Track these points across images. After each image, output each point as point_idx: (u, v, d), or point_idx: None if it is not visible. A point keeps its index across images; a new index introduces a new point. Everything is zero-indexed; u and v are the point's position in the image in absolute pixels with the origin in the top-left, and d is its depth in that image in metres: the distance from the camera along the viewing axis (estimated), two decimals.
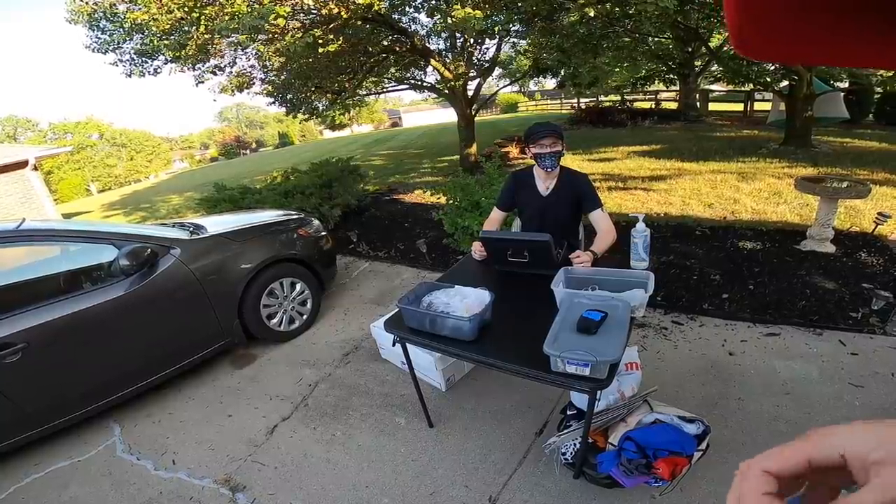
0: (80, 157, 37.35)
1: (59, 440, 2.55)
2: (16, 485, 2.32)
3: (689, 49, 12.74)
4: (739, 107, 13.41)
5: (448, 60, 8.59)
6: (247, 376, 3.00)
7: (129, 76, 6.67)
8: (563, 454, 1.90)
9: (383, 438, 2.32)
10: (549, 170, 2.27)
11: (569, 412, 2.01)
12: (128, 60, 6.61)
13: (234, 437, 2.47)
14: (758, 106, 12.87)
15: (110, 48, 6.32)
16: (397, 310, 1.81)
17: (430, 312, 1.60)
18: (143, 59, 6.45)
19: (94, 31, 6.36)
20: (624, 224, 3.14)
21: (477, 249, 2.36)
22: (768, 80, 8.84)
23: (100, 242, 2.53)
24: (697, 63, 13.76)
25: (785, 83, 8.17)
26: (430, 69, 9.23)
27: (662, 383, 2.28)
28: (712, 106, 14.41)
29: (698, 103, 14.23)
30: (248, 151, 47.18)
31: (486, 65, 9.22)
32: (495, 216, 2.54)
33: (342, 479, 2.12)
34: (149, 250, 2.55)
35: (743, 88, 12.84)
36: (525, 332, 1.65)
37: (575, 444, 1.86)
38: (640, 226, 1.94)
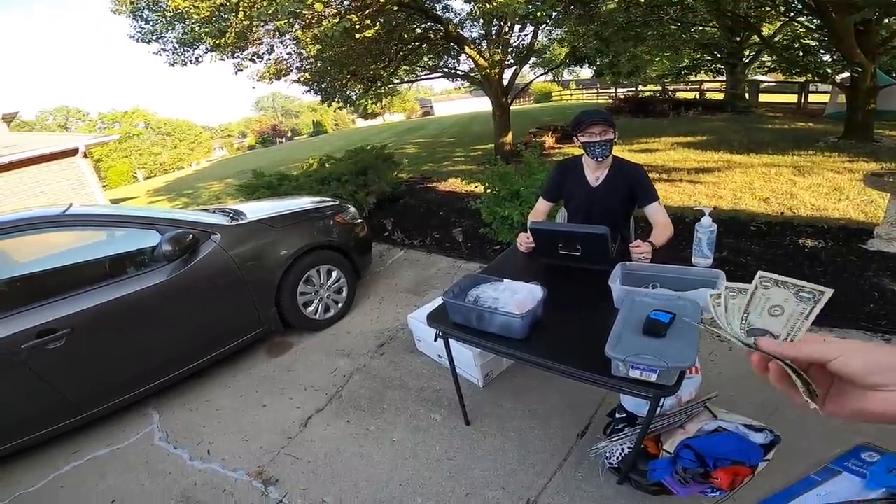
0: (127, 145, 39.17)
1: (100, 427, 2.59)
2: (56, 472, 2.35)
3: (738, 38, 12.15)
4: (792, 98, 12.59)
5: (483, 48, 8.40)
6: (282, 365, 2.99)
7: (173, 65, 6.79)
8: (608, 458, 1.78)
9: (418, 435, 2.25)
10: (599, 159, 2.11)
11: (618, 415, 1.88)
12: (170, 50, 6.72)
13: (268, 428, 2.45)
14: (812, 98, 12.07)
15: (153, 38, 6.45)
16: (440, 302, 1.72)
17: (479, 308, 1.49)
18: (185, 48, 6.54)
19: (137, 20, 6.49)
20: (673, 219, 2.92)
21: (523, 241, 2.22)
22: (828, 71, 8.31)
23: (143, 228, 2.54)
24: (746, 52, 13.04)
25: (846, 75, 7.64)
26: (463, 57, 9.09)
27: (716, 386, 2.10)
28: (763, 97, 13.60)
29: (747, 94, 13.51)
30: (283, 139, 48.21)
31: (523, 52, 8.96)
32: (541, 207, 2.40)
33: (375, 475, 2.06)
34: (191, 236, 2.55)
35: (796, 79, 12.08)
36: (578, 330, 1.52)
37: (623, 449, 1.73)
38: (706, 220, 1.76)
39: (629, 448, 1.72)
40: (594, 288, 1.71)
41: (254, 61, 6.91)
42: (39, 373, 2.19)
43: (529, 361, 1.43)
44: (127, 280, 2.43)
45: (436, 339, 1.74)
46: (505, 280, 1.63)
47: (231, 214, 3.14)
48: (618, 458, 1.75)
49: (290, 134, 54.08)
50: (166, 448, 2.43)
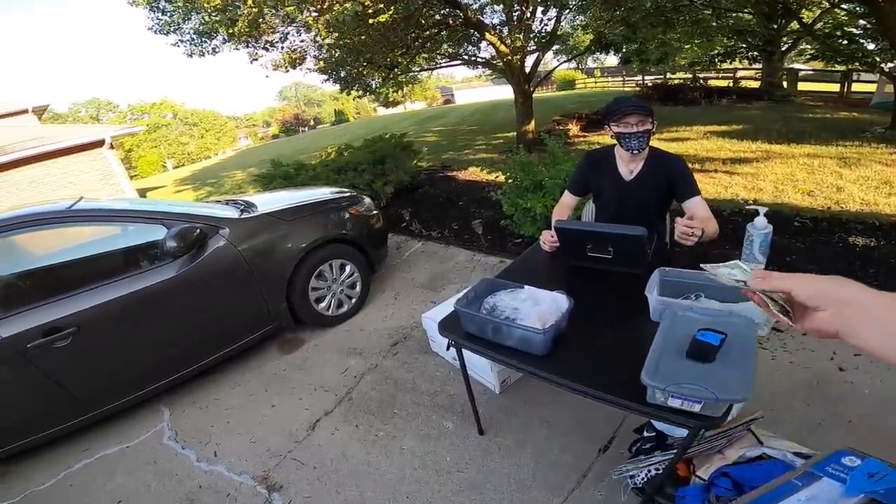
0: (156, 135, 40.19)
1: (111, 424, 2.55)
2: (66, 470, 2.33)
3: (775, 25, 11.54)
4: (833, 87, 11.84)
5: (504, 34, 8.11)
6: (292, 363, 2.91)
7: (191, 56, 6.79)
8: (632, 477, 1.61)
9: (429, 443, 2.12)
10: (634, 152, 1.89)
11: (646, 433, 1.70)
12: (188, 40, 6.71)
13: (275, 430, 2.37)
14: (856, 87, 11.32)
15: (171, 29, 6.43)
16: (454, 303, 1.56)
17: (495, 319, 1.32)
18: (203, 38, 6.51)
19: (154, 12, 6.48)
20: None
21: (547, 240, 2.02)
22: (876, 59, 7.76)
23: (150, 223, 2.46)
24: (784, 40, 12.32)
25: (894, 63, 7.07)
26: (484, 44, 8.82)
27: (757, 402, 1.89)
28: (801, 86, 12.85)
29: (785, 83, 12.79)
30: (306, 128, 48.56)
31: (545, 39, 8.62)
32: (567, 201, 2.19)
33: (382, 485, 1.95)
34: (198, 230, 2.45)
35: (837, 68, 11.37)
36: (608, 346, 1.34)
37: (650, 471, 1.56)
38: (761, 221, 1.53)
39: (657, 471, 1.55)
40: (627, 295, 1.53)
41: (267, 50, 6.82)
42: (47, 371, 2.15)
43: (551, 381, 1.25)
44: (134, 276, 2.35)
45: (448, 348, 1.58)
46: (526, 287, 1.44)
47: (242, 207, 3.05)
48: (643, 478, 1.58)
49: (312, 123, 54.44)
50: (174, 448, 2.38)
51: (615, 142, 1.96)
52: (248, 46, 6.56)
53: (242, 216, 2.80)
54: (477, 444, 2.06)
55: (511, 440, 2.04)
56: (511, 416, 2.16)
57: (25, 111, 10.20)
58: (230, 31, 5.49)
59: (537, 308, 1.30)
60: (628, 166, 1.98)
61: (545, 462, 1.91)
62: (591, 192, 2.15)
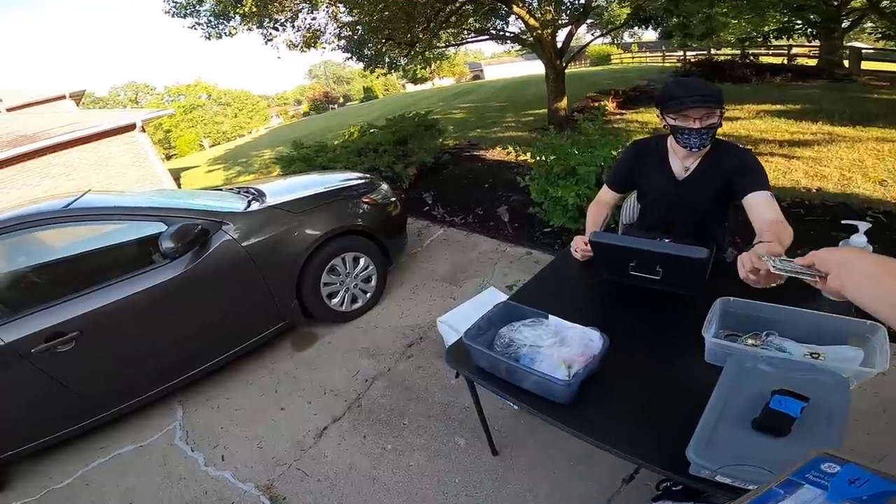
0: (192, 116, 41.21)
1: (127, 421, 2.52)
2: (83, 468, 2.31)
3: (836, 2, 10.59)
4: None
5: (534, 7, 7.57)
6: (304, 361, 2.78)
7: (209, 38, 6.69)
8: None
9: (438, 461, 1.95)
10: (693, 150, 1.54)
11: None
12: (205, 23, 6.58)
13: (283, 436, 2.26)
14: None
15: (187, 11, 6.31)
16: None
17: (507, 361, 1.08)
18: (219, 20, 6.37)
19: None
20: None
21: (579, 247, 1.72)
22: None
23: (150, 220, 2.33)
24: (845, 17, 11.11)
25: None
26: (512, 18, 8.30)
27: None
28: (865, 65, 11.65)
29: (846, 62, 11.61)
30: (335, 106, 48.56)
31: (579, 11, 7.99)
32: (605, 197, 1.86)
33: None
34: (199, 228, 2.31)
35: None
36: (649, 393, 1.09)
37: None
38: (859, 240, 1.20)
39: None
40: (676, 323, 1.25)
41: (277, 30, 6.61)
42: (54, 375, 2.10)
43: (575, 435, 1.02)
44: (136, 277, 2.24)
45: (457, 377, 1.36)
46: (551, 318, 1.18)
47: (251, 197, 2.89)
48: None
49: (342, 100, 54.38)
50: (184, 450, 2.32)
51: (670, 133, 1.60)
52: (260, 27, 6.37)
53: (248, 209, 2.64)
54: (489, 465, 1.88)
55: (526, 464, 1.84)
56: (528, 437, 1.95)
57: (63, 97, 10.47)
58: (239, 11, 5.30)
59: (563, 350, 1.05)
60: (683, 162, 1.62)
61: (563, 491, 1.71)
62: (637, 190, 1.82)
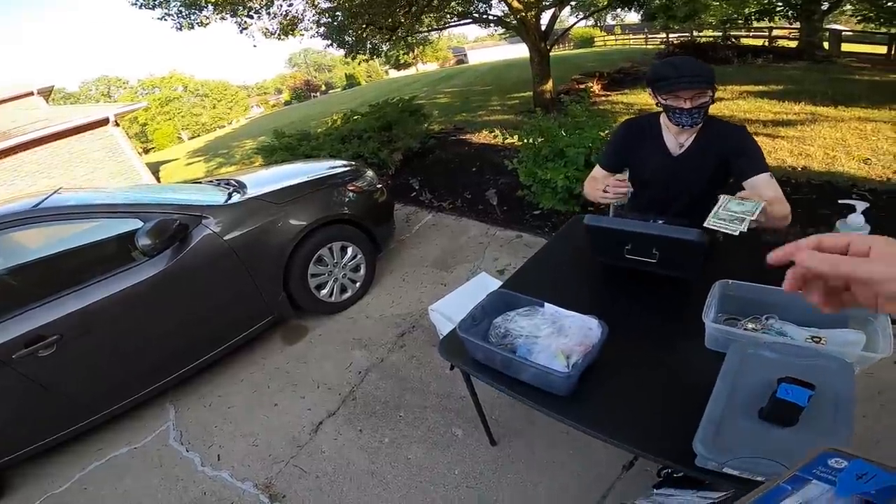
0: (168, 108, 40.12)
1: (121, 422, 2.46)
2: (80, 472, 2.26)
3: None
4: (880, 49, 10.77)
5: None
6: (296, 355, 2.73)
7: (180, 29, 6.42)
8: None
9: (436, 452, 1.93)
10: (686, 127, 1.52)
11: None
12: (175, 13, 6.34)
13: (278, 432, 2.22)
14: None
15: (155, 3, 6.04)
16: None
17: (504, 353, 1.04)
18: (190, 9, 6.12)
19: None
20: None
21: (612, 183, 1.54)
22: None
23: (125, 217, 2.23)
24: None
25: None
26: (495, 1, 8.15)
27: None
28: (845, 47, 11.77)
29: (826, 43, 11.68)
30: (317, 94, 47.68)
31: None
32: (598, 176, 1.80)
33: (385, 499, 1.79)
34: (177, 223, 2.22)
35: (882, 30, 10.27)
36: (650, 381, 1.06)
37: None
38: (857, 219, 1.18)
39: None
40: (675, 307, 1.23)
41: (251, 17, 6.39)
42: (39, 380, 2.02)
43: (576, 427, 0.99)
44: (115, 276, 2.15)
45: (451, 368, 1.33)
46: (547, 306, 1.14)
47: (231, 190, 2.79)
48: None
49: (324, 88, 53.36)
50: (179, 450, 2.27)
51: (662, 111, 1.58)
52: (234, 16, 6.14)
53: (229, 202, 2.55)
54: (488, 456, 1.86)
55: (525, 453, 1.83)
56: (527, 425, 1.93)
57: (31, 94, 10.02)
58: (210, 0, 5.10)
59: (560, 341, 1.01)
60: (678, 139, 1.60)
61: (562, 479, 1.71)
62: (630, 169, 1.77)
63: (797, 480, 0.46)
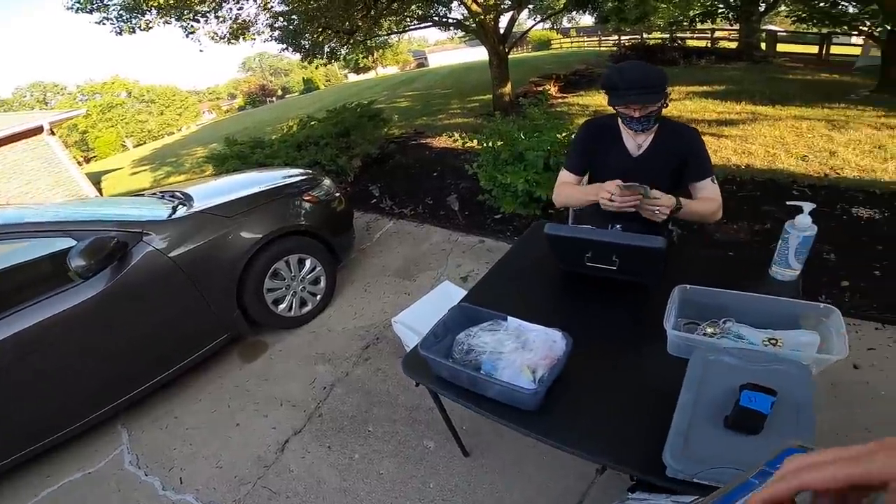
0: (111, 115, 37.98)
1: (69, 449, 2.27)
2: (33, 499, 2.08)
3: None
4: (811, 49, 11.67)
5: None
6: (255, 372, 2.60)
7: (120, 34, 6.05)
8: None
9: (409, 466, 1.88)
10: (639, 131, 1.56)
11: None
12: (115, 17, 5.98)
13: (242, 453, 2.11)
14: (835, 49, 11.25)
15: (93, 6, 5.68)
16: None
17: (468, 372, 1.01)
18: (131, 13, 5.79)
19: None
20: None
21: (609, 189, 1.45)
22: (866, 23, 7.74)
23: (57, 236, 2.04)
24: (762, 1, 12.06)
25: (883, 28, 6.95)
26: (455, 3, 8.19)
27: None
28: (780, 47, 12.64)
29: (763, 44, 12.50)
30: (273, 99, 46.41)
31: None
32: (567, 180, 1.78)
33: None
34: (115, 241, 2.06)
35: (814, 30, 11.16)
36: (616, 389, 1.05)
37: None
38: (804, 220, 1.22)
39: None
40: (637, 313, 1.24)
41: (198, 21, 6.12)
42: None
43: (544, 442, 0.97)
44: (50, 299, 1.98)
45: (417, 385, 1.28)
46: (510, 319, 1.11)
47: (176, 203, 2.63)
48: None
49: (280, 93, 52.04)
50: (137, 474, 2.12)
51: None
52: (178, 19, 5.85)
53: (173, 217, 2.39)
54: (462, 467, 1.83)
55: (498, 462, 1.81)
56: (498, 435, 1.90)
57: None
58: (153, 3, 4.83)
59: (525, 356, 0.98)
60: (636, 140, 1.62)
61: (537, 487, 1.69)
62: (592, 171, 1.77)
63: (764, 475, 0.46)
